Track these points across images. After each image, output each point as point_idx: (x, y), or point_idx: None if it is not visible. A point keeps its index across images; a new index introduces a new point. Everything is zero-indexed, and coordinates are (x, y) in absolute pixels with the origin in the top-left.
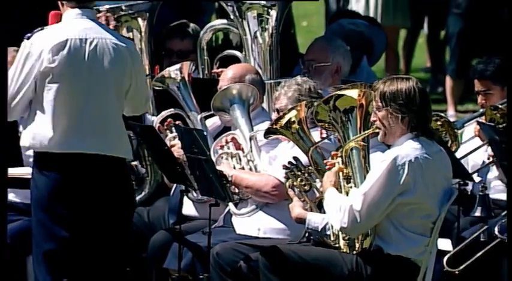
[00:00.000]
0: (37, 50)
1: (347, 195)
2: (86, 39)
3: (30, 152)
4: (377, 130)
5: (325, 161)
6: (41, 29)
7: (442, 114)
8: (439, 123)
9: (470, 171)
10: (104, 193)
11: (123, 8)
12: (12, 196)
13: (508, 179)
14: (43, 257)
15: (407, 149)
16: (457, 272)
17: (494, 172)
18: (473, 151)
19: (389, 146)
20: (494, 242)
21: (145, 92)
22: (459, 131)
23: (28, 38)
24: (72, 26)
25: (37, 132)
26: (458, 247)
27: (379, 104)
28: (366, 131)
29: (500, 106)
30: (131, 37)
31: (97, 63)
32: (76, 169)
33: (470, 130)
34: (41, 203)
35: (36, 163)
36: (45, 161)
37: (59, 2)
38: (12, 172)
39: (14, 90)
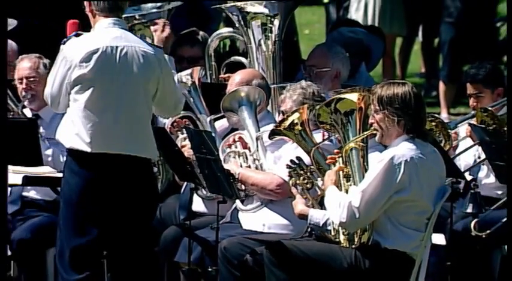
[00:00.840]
0: (70, 57)
1: (347, 192)
2: (117, 47)
3: (49, 152)
4: (375, 132)
5: (327, 157)
6: (76, 35)
7: (436, 115)
8: (433, 123)
9: (462, 169)
10: (131, 192)
11: (137, 17)
12: (33, 193)
13: (508, 178)
14: (70, 251)
15: (403, 149)
16: (484, 236)
17: (484, 170)
18: (465, 150)
19: (386, 147)
20: (487, 232)
21: (174, 96)
22: (452, 132)
23: (64, 43)
24: (103, 34)
25: (70, 134)
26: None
27: (377, 107)
28: (365, 133)
29: (490, 108)
30: None
31: (127, 69)
32: (106, 168)
33: (462, 131)
34: (72, 201)
35: (68, 163)
36: (77, 161)
37: (90, 13)
38: (33, 171)
39: (55, 89)
